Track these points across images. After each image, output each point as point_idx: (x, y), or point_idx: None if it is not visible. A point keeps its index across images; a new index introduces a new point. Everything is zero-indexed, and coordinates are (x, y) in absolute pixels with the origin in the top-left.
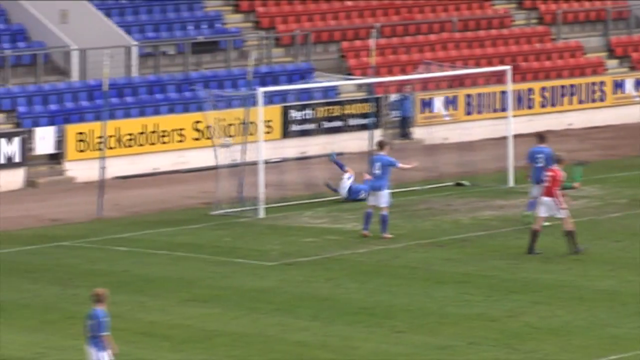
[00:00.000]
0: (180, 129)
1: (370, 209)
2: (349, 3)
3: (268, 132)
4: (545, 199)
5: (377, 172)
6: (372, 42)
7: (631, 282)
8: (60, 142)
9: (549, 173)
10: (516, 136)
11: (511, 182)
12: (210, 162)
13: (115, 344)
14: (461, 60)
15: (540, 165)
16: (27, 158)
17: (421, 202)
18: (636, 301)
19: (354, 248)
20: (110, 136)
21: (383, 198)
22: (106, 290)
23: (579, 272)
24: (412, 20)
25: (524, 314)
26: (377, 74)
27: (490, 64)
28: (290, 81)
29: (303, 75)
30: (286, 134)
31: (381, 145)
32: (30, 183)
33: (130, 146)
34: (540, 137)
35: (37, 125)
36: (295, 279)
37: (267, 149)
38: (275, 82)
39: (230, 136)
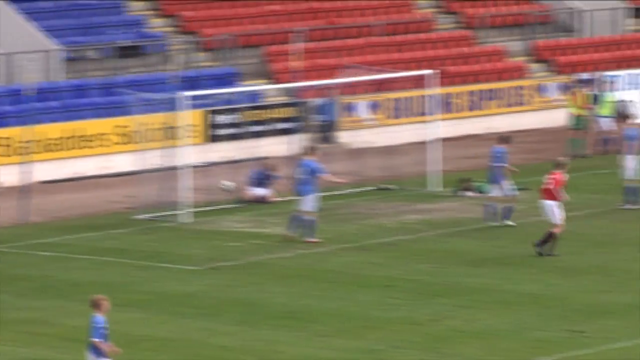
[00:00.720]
0: (105, 134)
1: (296, 213)
2: (275, 7)
3: (192, 137)
4: (544, 201)
5: (302, 177)
6: (294, 47)
7: (555, 286)
8: None
9: (551, 176)
10: (441, 140)
11: (435, 186)
12: (135, 167)
13: (107, 348)
14: (389, 64)
15: (493, 164)
16: None
17: (346, 206)
18: (561, 304)
19: (279, 252)
20: (35, 141)
21: (307, 202)
22: (101, 297)
23: (504, 276)
24: (339, 25)
25: (448, 318)
26: (303, 78)
27: (417, 67)
28: (214, 85)
29: (228, 79)
30: (211, 138)
31: (310, 150)
32: None
33: (54, 151)
34: (499, 138)
35: None
36: (220, 283)
37: (192, 153)
38: (200, 87)
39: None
